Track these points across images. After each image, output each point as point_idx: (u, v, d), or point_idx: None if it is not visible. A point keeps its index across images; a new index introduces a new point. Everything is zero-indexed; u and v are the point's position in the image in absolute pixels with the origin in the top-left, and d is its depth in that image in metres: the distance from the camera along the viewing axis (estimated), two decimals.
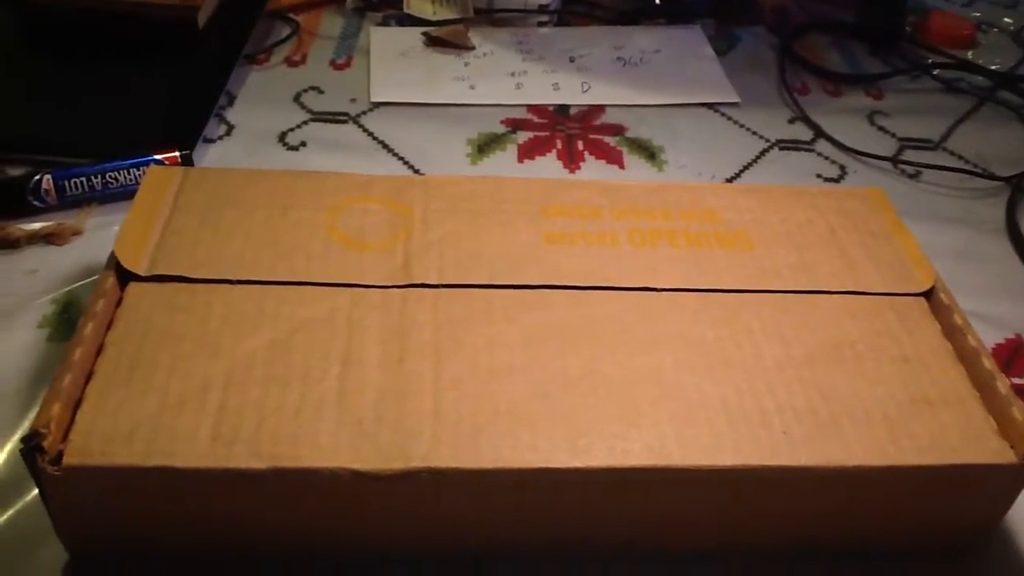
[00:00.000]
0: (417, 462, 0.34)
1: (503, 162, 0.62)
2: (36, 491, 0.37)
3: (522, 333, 0.40)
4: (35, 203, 0.53)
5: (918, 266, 0.45)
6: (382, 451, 0.34)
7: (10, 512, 0.38)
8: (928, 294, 0.44)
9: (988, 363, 0.40)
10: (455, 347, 0.39)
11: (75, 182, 0.54)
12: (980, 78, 0.76)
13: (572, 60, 0.73)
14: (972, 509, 0.39)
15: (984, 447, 0.37)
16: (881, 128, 0.69)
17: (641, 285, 0.42)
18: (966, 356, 0.41)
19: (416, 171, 0.60)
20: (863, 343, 0.41)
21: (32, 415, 0.34)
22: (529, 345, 0.39)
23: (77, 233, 0.52)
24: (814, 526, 0.39)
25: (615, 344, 0.40)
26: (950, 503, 0.39)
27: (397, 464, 0.34)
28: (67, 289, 0.49)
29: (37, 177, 0.53)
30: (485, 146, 0.63)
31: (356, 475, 0.34)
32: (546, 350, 0.39)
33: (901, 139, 0.68)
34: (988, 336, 0.52)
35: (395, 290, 0.41)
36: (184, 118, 0.61)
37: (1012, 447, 0.37)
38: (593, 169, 0.62)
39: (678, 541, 0.39)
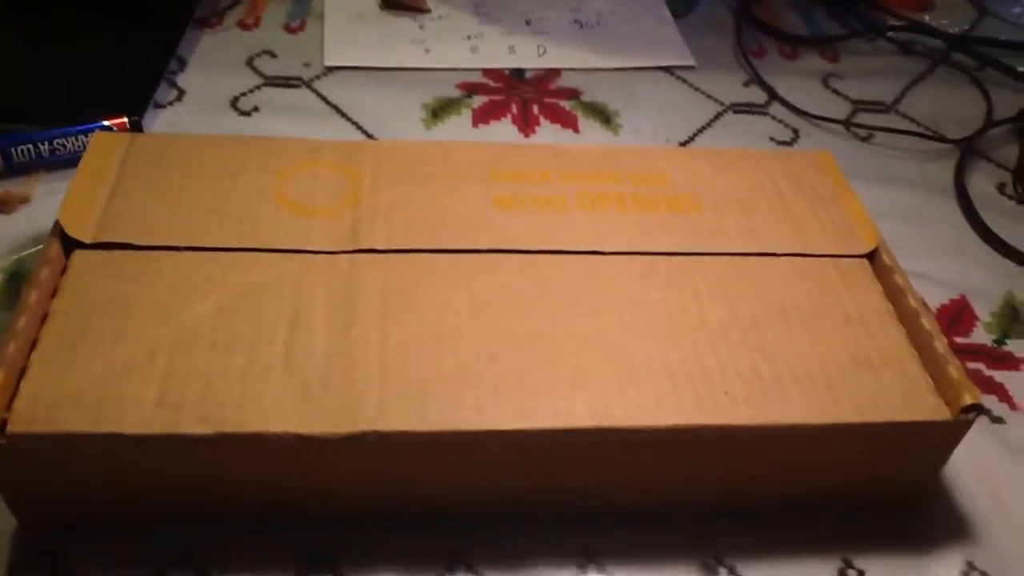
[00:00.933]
0: (363, 425, 0.35)
1: (458, 127, 0.61)
2: None
3: (469, 297, 0.40)
4: None
5: (862, 228, 0.46)
6: (328, 415, 0.35)
7: None
8: (871, 255, 0.45)
9: (927, 323, 0.41)
10: (402, 311, 0.39)
11: (22, 149, 0.53)
12: (935, 40, 0.76)
13: (528, 23, 0.72)
14: (910, 465, 0.40)
15: (921, 405, 0.38)
16: (835, 91, 0.70)
17: (589, 249, 0.43)
18: (906, 316, 0.42)
19: (370, 136, 0.60)
20: (807, 304, 0.42)
21: None
22: (476, 309, 0.39)
23: (25, 201, 0.52)
24: (759, 485, 0.40)
25: (562, 307, 0.40)
26: (889, 459, 0.39)
27: (343, 428, 0.34)
28: (15, 257, 0.48)
29: None
30: (440, 111, 0.63)
31: (302, 439, 0.34)
32: (493, 313, 0.39)
33: (854, 102, 0.68)
34: (934, 296, 0.53)
35: (343, 255, 0.41)
36: (134, 83, 0.60)
37: (947, 404, 0.38)
38: (548, 133, 0.62)
39: (626, 501, 0.40)
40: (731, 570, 0.39)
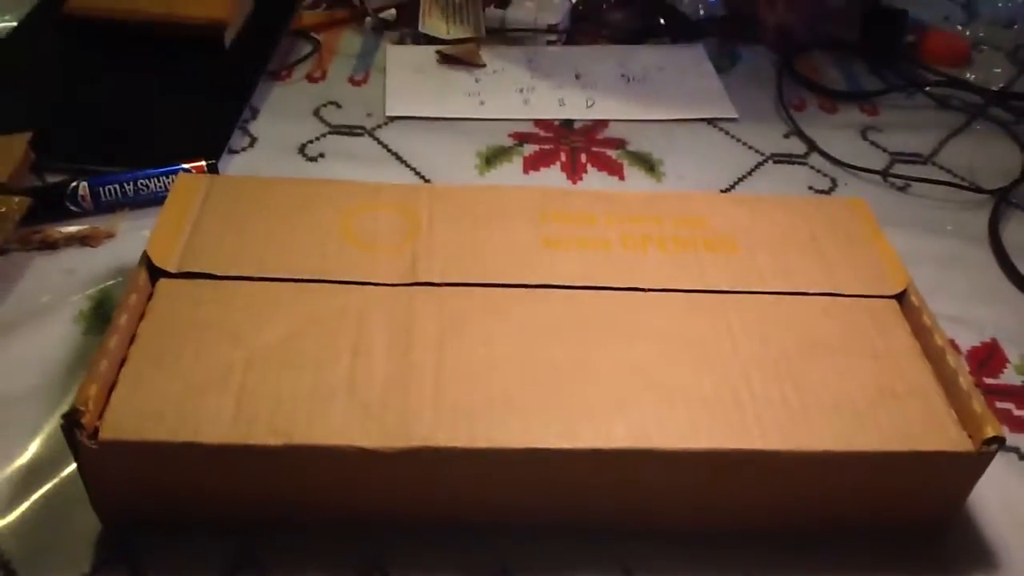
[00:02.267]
0: (418, 441, 0.38)
1: (509, 173, 0.65)
2: (73, 467, 0.41)
3: (518, 328, 0.43)
4: (72, 208, 0.57)
5: (893, 270, 0.48)
6: (387, 431, 0.38)
7: (48, 486, 0.42)
8: (901, 296, 0.47)
9: (953, 360, 0.43)
10: (456, 340, 0.42)
11: (109, 189, 0.58)
12: (973, 95, 0.78)
13: (578, 77, 0.76)
14: (934, 495, 0.42)
15: (944, 436, 0.40)
16: (873, 143, 0.72)
17: (630, 285, 0.46)
18: (932, 353, 0.44)
19: (427, 181, 0.64)
20: (836, 340, 0.44)
21: (68, 400, 0.38)
22: (523, 339, 0.42)
23: (110, 236, 0.56)
24: (786, 509, 0.42)
25: (603, 338, 0.43)
26: (913, 489, 0.41)
27: (400, 443, 0.37)
28: (101, 287, 0.53)
29: (74, 184, 0.57)
30: (493, 158, 0.66)
31: (363, 452, 0.37)
32: (539, 343, 0.42)
33: (892, 153, 0.71)
34: (967, 339, 0.55)
35: (402, 288, 0.45)
36: (211, 130, 0.65)
37: (970, 437, 0.40)
38: (594, 180, 0.65)
39: (661, 521, 0.42)
40: None
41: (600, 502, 0.41)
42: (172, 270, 0.44)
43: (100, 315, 0.51)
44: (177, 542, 0.40)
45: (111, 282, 0.53)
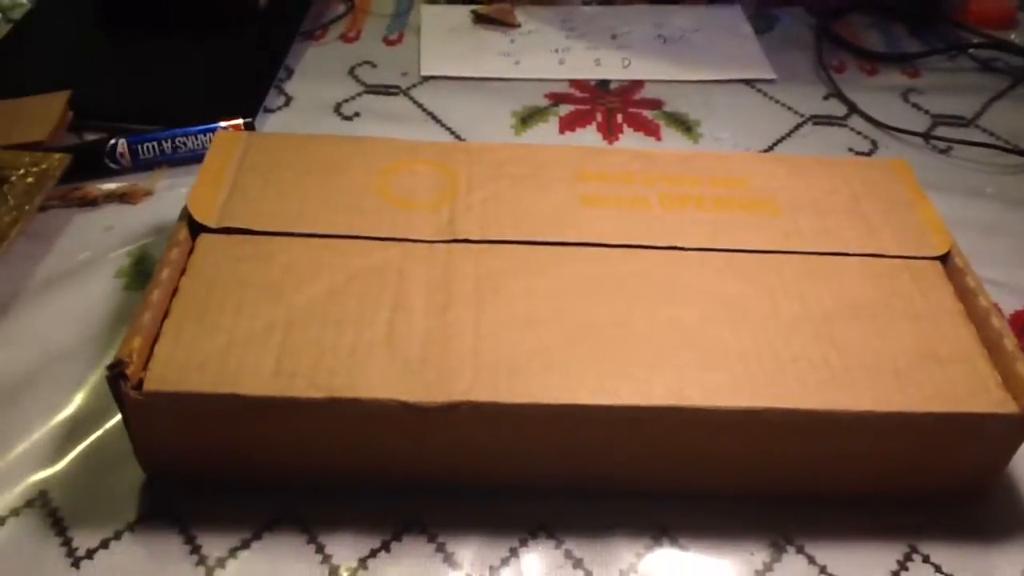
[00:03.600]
0: (458, 396, 0.38)
1: (545, 133, 0.65)
2: (117, 419, 0.41)
3: (556, 285, 0.43)
4: (111, 165, 0.58)
5: (936, 232, 0.48)
6: (427, 386, 0.38)
7: (93, 437, 0.43)
8: (944, 258, 0.46)
9: (997, 322, 0.42)
10: (494, 297, 0.42)
11: (147, 146, 0.58)
12: (1018, 58, 0.77)
13: (614, 37, 0.76)
14: (976, 458, 0.42)
15: (987, 398, 0.40)
16: (915, 105, 0.71)
17: (669, 244, 0.45)
18: (976, 316, 0.43)
19: (462, 141, 0.63)
20: (878, 302, 0.44)
21: (111, 354, 0.38)
22: (562, 296, 0.42)
23: (149, 193, 0.57)
24: (827, 470, 0.41)
25: (642, 297, 0.43)
26: (955, 452, 0.41)
27: (440, 397, 0.38)
28: (140, 243, 0.53)
29: (113, 141, 0.58)
30: (528, 118, 0.66)
31: (404, 406, 0.37)
32: (578, 301, 0.42)
33: (934, 116, 0.70)
34: (1009, 303, 0.54)
35: (441, 245, 0.45)
36: (246, 89, 0.65)
37: (1015, 399, 0.39)
38: (631, 140, 0.65)
39: (700, 481, 0.42)
40: (799, 550, 0.41)
41: (637, 461, 0.41)
42: (212, 225, 0.44)
43: (140, 271, 0.51)
44: (219, 494, 0.41)
45: (150, 239, 0.53)
